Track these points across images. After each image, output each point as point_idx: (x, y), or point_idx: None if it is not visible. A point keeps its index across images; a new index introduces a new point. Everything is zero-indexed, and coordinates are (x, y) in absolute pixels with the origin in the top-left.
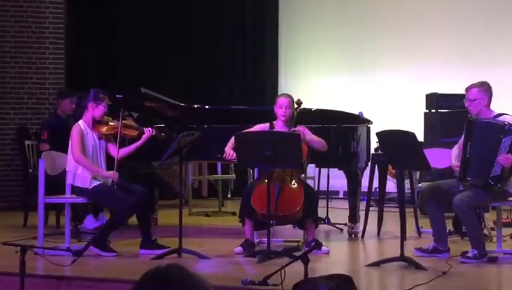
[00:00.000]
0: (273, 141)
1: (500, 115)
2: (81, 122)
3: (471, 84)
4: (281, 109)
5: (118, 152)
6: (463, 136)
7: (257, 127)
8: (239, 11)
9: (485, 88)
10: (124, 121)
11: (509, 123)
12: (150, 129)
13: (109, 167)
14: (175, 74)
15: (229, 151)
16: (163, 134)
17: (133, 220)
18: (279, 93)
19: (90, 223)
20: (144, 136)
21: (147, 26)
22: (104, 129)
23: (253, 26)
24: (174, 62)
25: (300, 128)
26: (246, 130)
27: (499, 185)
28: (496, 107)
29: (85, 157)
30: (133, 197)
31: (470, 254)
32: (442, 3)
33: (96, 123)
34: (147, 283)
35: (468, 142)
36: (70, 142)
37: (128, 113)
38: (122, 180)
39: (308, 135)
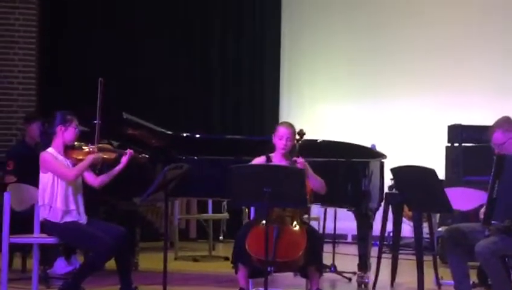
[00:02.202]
0: (273, 176)
1: None
2: (50, 149)
3: (492, 127)
4: (281, 141)
5: (93, 179)
6: (492, 174)
7: (255, 162)
8: (235, 24)
9: (507, 126)
10: (99, 145)
11: None
12: (129, 151)
13: (88, 202)
14: (159, 98)
15: None
16: (143, 155)
17: (111, 264)
18: (280, 121)
19: (61, 267)
20: (124, 158)
21: (128, 42)
22: (77, 154)
23: (252, 43)
24: (159, 85)
25: (300, 161)
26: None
27: None
28: None
29: (72, 169)
30: (112, 238)
31: None
32: (470, 24)
33: (68, 149)
34: None
35: (496, 181)
36: (45, 170)
37: (107, 142)
38: (98, 219)
39: (308, 169)
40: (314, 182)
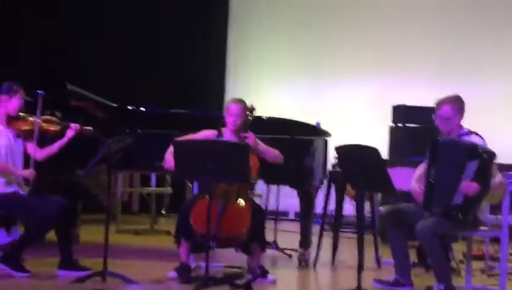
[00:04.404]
0: (218, 151)
1: (469, 133)
2: None
3: (443, 100)
4: (230, 117)
5: (35, 151)
6: (427, 158)
7: (203, 134)
8: (183, 3)
9: (459, 104)
10: (44, 116)
11: (476, 145)
12: (76, 125)
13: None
14: (106, 70)
15: (169, 157)
16: (90, 127)
17: (51, 236)
18: (229, 98)
19: (1, 237)
20: (69, 132)
21: (73, 10)
22: (20, 125)
23: (200, 23)
24: (103, 55)
25: (250, 136)
26: (189, 136)
27: (460, 216)
28: (467, 123)
29: None
30: (52, 209)
31: (435, 289)
32: (412, 7)
33: (11, 119)
34: None
35: (432, 165)
36: None
37: (50, 112)
38: (39, 189)
39: (259, 144)
40: (269, 154)
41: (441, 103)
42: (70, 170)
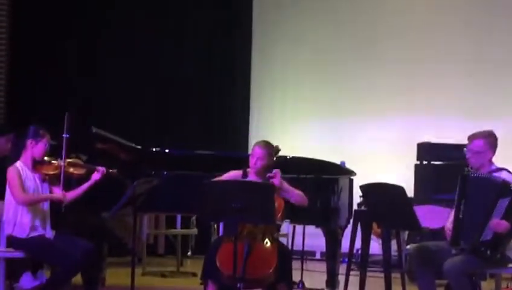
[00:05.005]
0: (242, 192)
1: (499, 169)
2: (18, 163)
3: (477, 134)
4: (252, 159)
5: (63, 192)
6: (456, 193)
7: (230, 174)
8: (206, 42)
9: (492, 140)
10: (69, 160)
11: (507, 183)
12: (102, 168)
13: (56, 216)
14: (130, 111)
15: None
16: (114, 170)
17: (77, 279)
18: (253, 139)
19: (27, 281)
20: (95, 175)
21: (100, 58)
22: (46, 170)
23: (222, 60)
24: (129, 98)
25: (276, 174)
26: (216, 178)
27: (489, 253)
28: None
29: (27, 195)
30: (79, 254)
31: None
32: (437, 48)
33: (37, 163)
34: None
35: (462, 200)
36: (8, 186)
37: (75, 155)
38: (65, 233)
39: (284, 185)
40: (293, 195)
41: (473, 137)
42: (95, 212)
